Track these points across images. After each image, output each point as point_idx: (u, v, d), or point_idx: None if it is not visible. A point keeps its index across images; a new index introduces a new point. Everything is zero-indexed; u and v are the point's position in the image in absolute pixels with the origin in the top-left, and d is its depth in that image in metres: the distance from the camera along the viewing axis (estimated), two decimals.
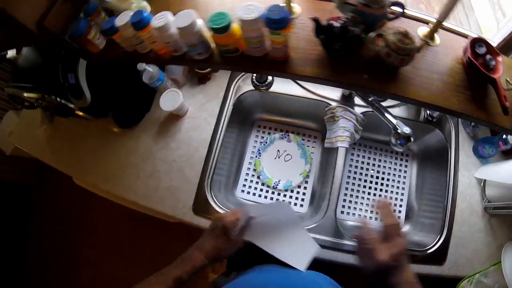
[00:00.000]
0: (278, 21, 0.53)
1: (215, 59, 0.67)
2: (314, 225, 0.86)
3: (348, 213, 1.00)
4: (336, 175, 0.88)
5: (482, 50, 0.64)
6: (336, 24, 0.59)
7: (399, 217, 1.01)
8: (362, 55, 0.65)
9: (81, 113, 0.95)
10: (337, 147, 0.89)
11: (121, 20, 0.62)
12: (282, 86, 0.97)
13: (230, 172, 1.01)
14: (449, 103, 0.64)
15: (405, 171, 1.05)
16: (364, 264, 0.62)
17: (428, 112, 0.95)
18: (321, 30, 0.61)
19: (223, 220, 0.60)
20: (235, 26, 0.58)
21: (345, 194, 1.02)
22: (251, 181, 1.03)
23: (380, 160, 1.06)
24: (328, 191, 0.89)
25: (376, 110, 0.81)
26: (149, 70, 0.91)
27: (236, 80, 0.98)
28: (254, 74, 0.97)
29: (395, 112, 0.94)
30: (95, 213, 1.94)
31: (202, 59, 0.67)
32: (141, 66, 0.89)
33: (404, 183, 1.04)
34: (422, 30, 0.70)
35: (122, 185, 0.93)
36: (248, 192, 1.02)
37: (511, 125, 0.66)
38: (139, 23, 0.60)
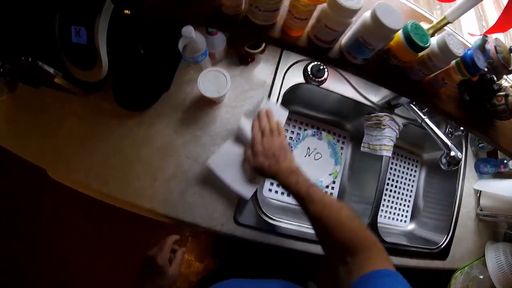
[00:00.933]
0: None
1: (372, 68, 0.57)
2: None
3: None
4: (381, 184, 0.87)
5: None
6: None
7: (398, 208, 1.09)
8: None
9: (63, 83, 0.65)
10: (382, 155, 0.87)
11: None
12: (334, 83, 0.88)
13: None
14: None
15: (414, 175, 1.13)
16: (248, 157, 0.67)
17: (450, 129, 1.00)
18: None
19: (156, 260, 0.58)
20: None
21: None
22: None
23: (393, 163, 1.11)
24: (367, 196, 0.89)
25: (429, 129, 0.81)
26: (196, 41, 0.65)
27: (287, 68, 0.83)
28: (311, 67, 0.83)
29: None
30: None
31: (360, 64, 0.55)
32: (189, 31, 0.63)
33: (412, 186, 1.12)
34: None
35: (129, 188, 0.71)
36: (276, 192, 0.94)
37: (497, 138, 0.76)
38: None
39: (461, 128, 0.99)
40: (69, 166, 0.71)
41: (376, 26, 0.46)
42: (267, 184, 0.93)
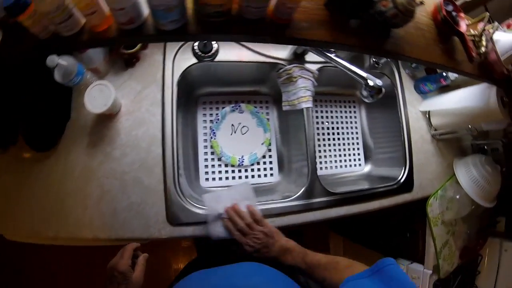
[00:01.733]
0: None
1: (192, 29, 0.45)
2: (301, 192, 0.79)
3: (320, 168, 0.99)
4: (309, 137, 0.81)
5: (449, 8, 0.66)
6: None
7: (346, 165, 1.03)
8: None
9: None
10: (302, 108, 0.81)
11: None
12: (229, 52, 0.80)
13: (188, 163, 0.84)
14: (434, 57, 0.63)
15: (355, 116, 1.07)
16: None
17: (373, 59, 0.93)
18: None
19: (118, 267, 0.57)
20: None
21: None
22: (213, 165, 0.88)
23: (331, 111, 1.04)
24: (303, 153, 0.82)
25: (341, 66, 0.75)
26: (63, 64, 0.63)
27: (174, 55, 0.77)
28: (196, 44, 0.78)
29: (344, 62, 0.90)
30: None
31: (175, 29, 0.45)
32: (52, 60, 0.61)
33: (356, 127, 1.06)
34: None
35: (68, 223, 0.69)
36: (214, 179, 0.87)
37: (468, 68, 0.70)
38: None
39: None
40: (15, 222, 0.70)
41: None
42: (203, 174, 0.87)
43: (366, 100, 0.75)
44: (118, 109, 0.74)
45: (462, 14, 0.69)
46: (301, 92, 0.80)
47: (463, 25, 0.68)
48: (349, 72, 0.73)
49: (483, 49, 0.71)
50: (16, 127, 0.73)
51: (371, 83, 0.71)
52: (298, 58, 0.84)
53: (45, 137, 0.73)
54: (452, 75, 0.92)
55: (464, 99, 0.90)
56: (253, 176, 0.89)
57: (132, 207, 0.70)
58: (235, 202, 0.72)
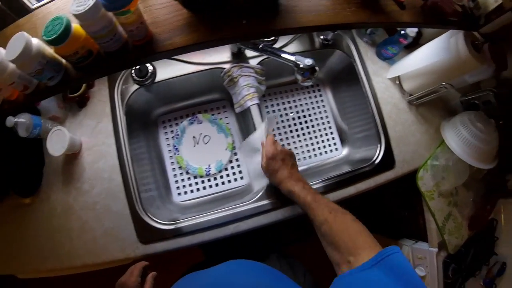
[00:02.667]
0: None
1: (72, 75, 0.50)
2: (264, 190, 0.77)
3: None
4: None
5: None
6: None
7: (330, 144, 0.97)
8: (235, 2, 0.52)
9: None
10: (249, 107, 0.78)
11: None
12: (167, 70, 0.80)
13: (157, 182, 0.85)
14: (343, 18, 0.54)
15: (322, 100, 0.99)
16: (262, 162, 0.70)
17: (321, 37, 0.85)
18: None
19: (127, 285, 0.59)
20: (76, 27, 0.44)
21: None
22: (183, 180, 0.88)
23: (294, 101, 0.98)
24: None
25: (271, 55, 0.70)
26: (21, 121, 0.70)
27: (117, 86, 0.79)
28: (133, 71, 0.79)
29: (290, 49, 0.84)
30: None
31: (58, 82, 0.49)
32: (9, 121, 0.68)
33: (325, 111, 0.98)
34: None
35: (61, 255, 0.75)
36: (186, 192, 0.87)
37: (409, 17, 0.61)
38: None
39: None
40: (20, 262, 0.77)
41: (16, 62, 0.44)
42: (175, 190, 0.88)
43: (305, 84, 0.70)
44: (78, 147, 0.79)
45: None
46: (245, 91, 0.77)
47: None
48: (278, 59, 0.69)
49: None
50: (6, 181, 0.82)
51: (301, 64, 0.66)
52: (238, 57, 0.81)
53: (28, 184, 0.79)
54: (411, 31, 0.80)
55: (430, 54, 0.79)
56: (223, 183, 0.88)
57: (107, 233, 0.75)
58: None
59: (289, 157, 0.68)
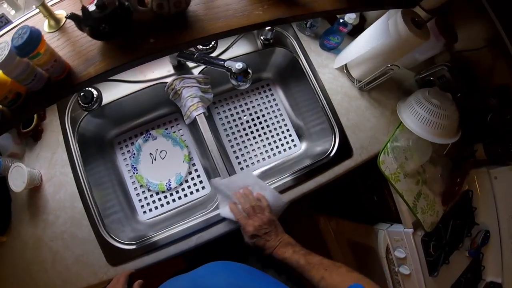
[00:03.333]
0: (24, 46, 0.44)
1: (8, 117, 0.52)
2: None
3: (249, 164, 0.93)
4: (209, 143, 0.77)
5: None
6: (92, 6, 0.46)
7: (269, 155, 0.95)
8: (141, 22, 0.53)
9: None
10: (195, 117, 0.78)
11: None
12: (112, 92, 0.81)
13: (121, 204, 0.85)
14: (255, 18, 0.54)
15: (274, 99, 0.98)
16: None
17: (262, 37, 0.85)
18: (82, 21, 0.48)
19: None
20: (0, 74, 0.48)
21: (235, 152, 0.93)
22: (146, 198, 0.88)
23: (246, 104, 0.97)
24: (212, 160, 0.79)
25: (206, 64, 0.71)
26: None
27: (66, 115, 0.80)
28: (79, 98, 0.80)
29: (232, 54, 0.84)
30: None
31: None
32: None
33: (279, 109, 0.98)
34: None
35: (39, 287, 0.76)
36: (151, 210, 0.87)
37: (331, 5, 0.59)
38: None
39: (267, 28, 0.83)
40: None
41: None
42: (139, 209, 0.87)
43: (241, 88, 0.69)
44: (39, 181, 0.79)
45: None
46: (189, 102, 0.77)
47: None
48: (213, 67, 0.69)
49: None
50: None
51: (233, 69, 0.66)
52: (180, 69, 0.81)
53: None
54: (349, 18, 0.79)
55: (371, 38, 0.78)
56: (185, 195, 0.88)
57: (79, 260, 0.75)
58: (246, 186, 0.72)
59: (270, 227, 0.66)
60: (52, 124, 0.82)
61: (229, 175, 0.77)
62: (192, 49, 0.81)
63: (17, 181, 0.74)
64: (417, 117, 0.83)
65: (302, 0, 0.57)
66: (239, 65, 0.65)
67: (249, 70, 0.66)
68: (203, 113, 0.77)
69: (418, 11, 0.75)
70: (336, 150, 0.81)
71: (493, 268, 0.99)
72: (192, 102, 0.76)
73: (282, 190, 0.77)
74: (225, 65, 0.66)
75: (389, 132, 0.87)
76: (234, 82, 0.68)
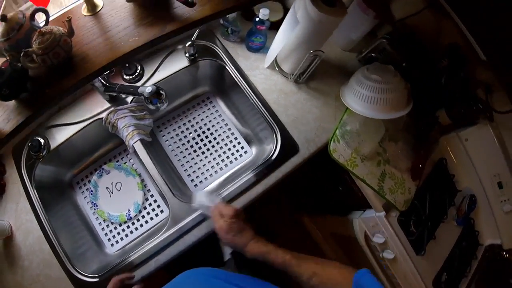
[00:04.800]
0: None
1: None
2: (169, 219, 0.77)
3: (202, 180, 0.92)
4: (149, 168, 0.78)
5: None
6: None
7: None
8: (38, 77, 0.55)
9: None
10: (133, 146, 0.79)
11: None
12: (57, 136, 0.84)
13: (87, 240, 0.88)
14: (132, 44, 0.57)
15: (216, 111, 0.97)
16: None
17: (186, 54, 0.84)
18: None
19: None
20: None
21: (186, 170, 0.93)
22: (111, 231, 0.89)
23: (190, 121, 0.96)
24: (156, 184, 0.79)
25: (126, 94, 0.72)
26: None
27: (22, 166, 0.84)
28: (29, 149, 0.84)
29: (161, 76, 0.83)
30: None
31: None
32: None
33: (223, 120, 0.96)
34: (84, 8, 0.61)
35: None
36: (117, 241, 0.89)
37: (200, 14, 0.59)
38: None
39: (187, 44, 0.81)
40: None
41: None
42: (107, 242, 0.89)
43: (162, 108, 0.69)
44: (9, 231, 0.84)
45: None
46: (124, 132, 0.78)
47: None
48: (135, 95, 0.69)
49: None
50: None
51: (145, 94, 0.66)
52: (115, 101, 0.82)
53: None
54: (264, 15, 0.76)
55: (287, 29, 0.75)
56: (146, 222, 0.89)
57: None
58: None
59: (240, 221, 0.61)
60: (12, 176, 0.86)
61: (179, 195, 0.77)
62: (120, 79, 0.82)
63: None
64: (360, 97, 0.78)
65: (178, 13, 0.57)
66: (148, 89, 0.65)
67: (161, 92, 0.66)
68: (140, 139, 0.77)
69: None
70: (280, 149, 0.79)
71: (488, 231, 0.93)
72: (127, 132, 0.77)
73: (230, 199, 0.76)
74: (138, 91, 0.66)
75: (336, 119, 0.83)
76: (151, 106, 0.68)
